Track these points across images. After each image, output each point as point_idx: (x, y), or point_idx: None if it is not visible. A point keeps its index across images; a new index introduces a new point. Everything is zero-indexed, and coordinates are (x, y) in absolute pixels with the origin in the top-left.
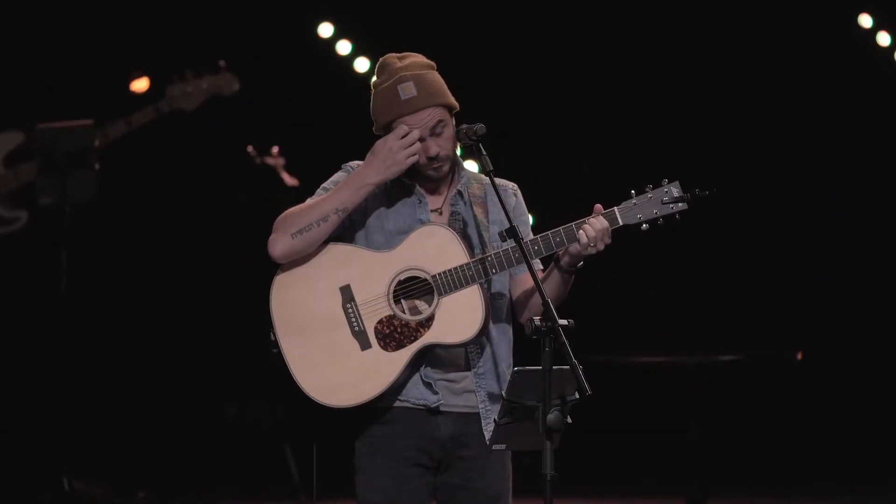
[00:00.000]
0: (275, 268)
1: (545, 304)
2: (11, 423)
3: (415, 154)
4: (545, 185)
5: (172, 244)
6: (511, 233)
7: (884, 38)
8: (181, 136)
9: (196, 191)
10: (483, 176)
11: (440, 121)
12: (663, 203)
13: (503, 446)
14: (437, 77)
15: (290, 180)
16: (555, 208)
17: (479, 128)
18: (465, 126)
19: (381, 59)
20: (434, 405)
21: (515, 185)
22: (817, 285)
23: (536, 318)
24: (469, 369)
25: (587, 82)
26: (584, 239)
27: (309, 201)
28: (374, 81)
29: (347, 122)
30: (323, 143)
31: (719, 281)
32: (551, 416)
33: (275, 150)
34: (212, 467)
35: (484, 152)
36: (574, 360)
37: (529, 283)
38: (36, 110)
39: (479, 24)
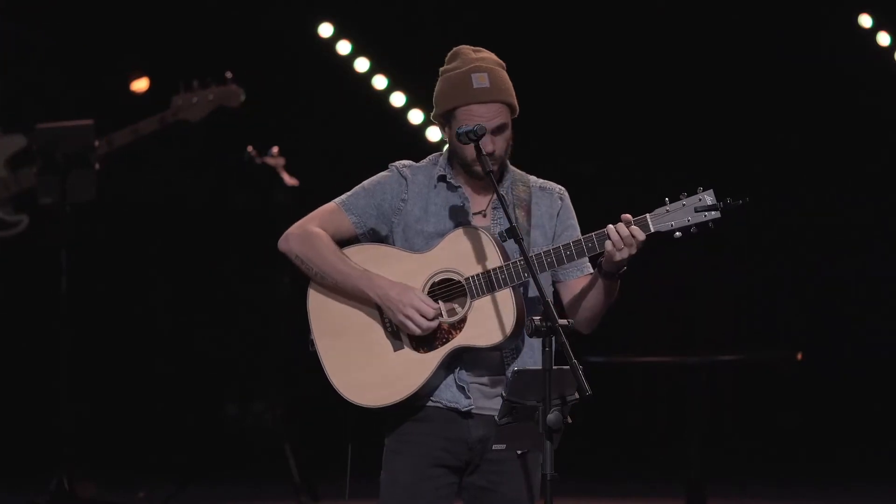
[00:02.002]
0: (276, 268)
1: (545, 304)
2: (12, 424)
3: (413, 333)
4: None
5: (172, 244)
6: (511, 233)
7: (884, 38)
8: (181, 137)
9: (196, 190)
10: (531, 177)
11: (503, 122)
12: (696, 211)
13: (503, 446)
14: (507, 76)
15: (290, 180)
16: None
17: (479, 128)
18: (465, 126)
19: (454, 49)
20: (465, 409)
21: (563, 189)
22: (817, 285)
23: (536, 318)
24: (504, 373)
25: (585, 83)
26: (609, 246)
27: (336, 217)
28: (444, 68)
29: (347, 122)
30: (323, 143)
31: (720, 281)
32: (551, 416)
33: (275, 150)
34: (212, 467)
35: (484, 153)
36: (574, 360)
37: (578, 287)
38: (38, 112)
39: (479, 24)
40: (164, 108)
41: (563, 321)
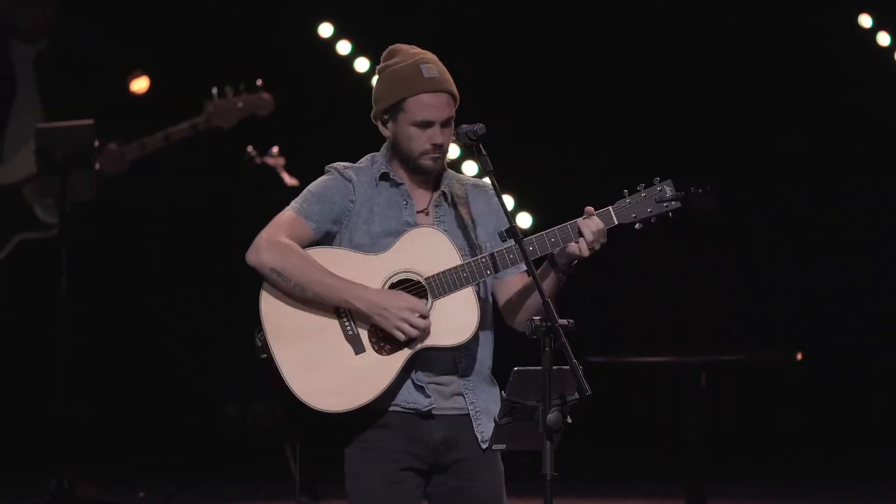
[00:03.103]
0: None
1: (545, 303)
2: (11, 424)
3: (410, 337)
4: (540, 185)
5: (172, 244)
6: (511, 233)
7: (884, 38)
8: (191, 136)
9: (196, 190)
10: (462, 176)
11: (451, 115)
12: (657, 202)
13: (503, 446)
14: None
15: (290, 180)
16: (549, 208)
17: (479, 128)
18: (464, 126)
19: (390, 48)
20: (426, 409)
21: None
22: (817, 285)
23: (536, 318)
24: (456, 372)
25: (584, 83)
26: (582, 243)
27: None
28: (384, 64)
29: (347, 122)
30: (323, 143)
31: (719, 281)
32: (551, 416)
33: (275, 150)
34: (212, 467)
35: (484, 152)
36: (574, 360)
37: (517, 286)
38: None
39: (478, 23)
40: (167, 109)
41: (562, 321)
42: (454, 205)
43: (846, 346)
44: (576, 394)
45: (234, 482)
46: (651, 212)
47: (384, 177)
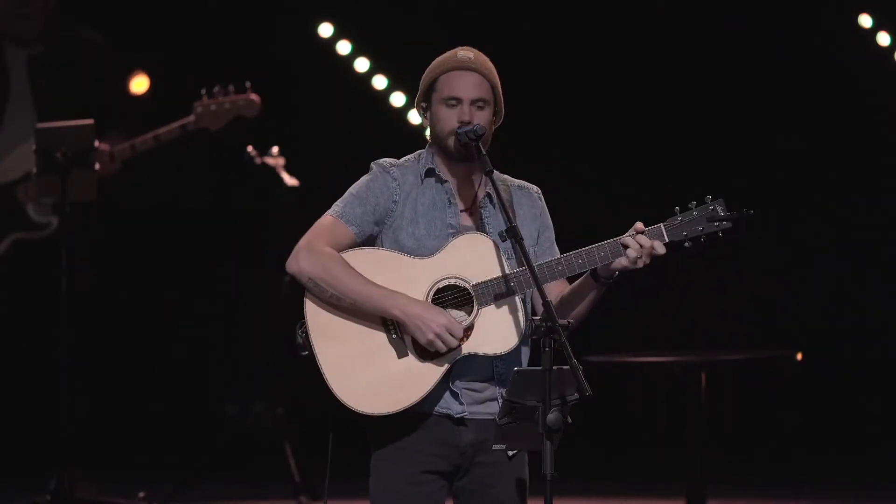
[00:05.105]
0: (276, 268)
1: (545, 304)
2: (11, 424)
3: (447, 350)
4: (539, 185)
5: (172, 244)
6: (511, 233)
7: (884, 38)
8: (181, 137)
9: (196, 190)
10: (508, 178)
11: (483, 98)
12: (708, 221)
13: (503, 446)
14: (494, 70)
15: (290, 180)
16: (549, 206)
17: (479, 128)
18: (464, 126)
19: None
20: (458, 415)
21: (539, 189)
22: (817, 285)
23: (536, 318)
24: (493, 378)
25: (584, 83)
26: (632, 255)
27: (348, 253)
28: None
29: (347, 122)
30: (323, 143)
31: (719, 281)
32: (551, 416)
33: (275, 150)
34: (212, 467)
35: (483, 152)
36: (574, 360)
37: (554, 290)
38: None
39: (479, 23)
40: (167, 109)
41: (562, 321)
42: (501, 207)
43: (846, 346)
44: (576, 394)
45: (234, 482)
46: (702, 230)
47: (429, 173)
